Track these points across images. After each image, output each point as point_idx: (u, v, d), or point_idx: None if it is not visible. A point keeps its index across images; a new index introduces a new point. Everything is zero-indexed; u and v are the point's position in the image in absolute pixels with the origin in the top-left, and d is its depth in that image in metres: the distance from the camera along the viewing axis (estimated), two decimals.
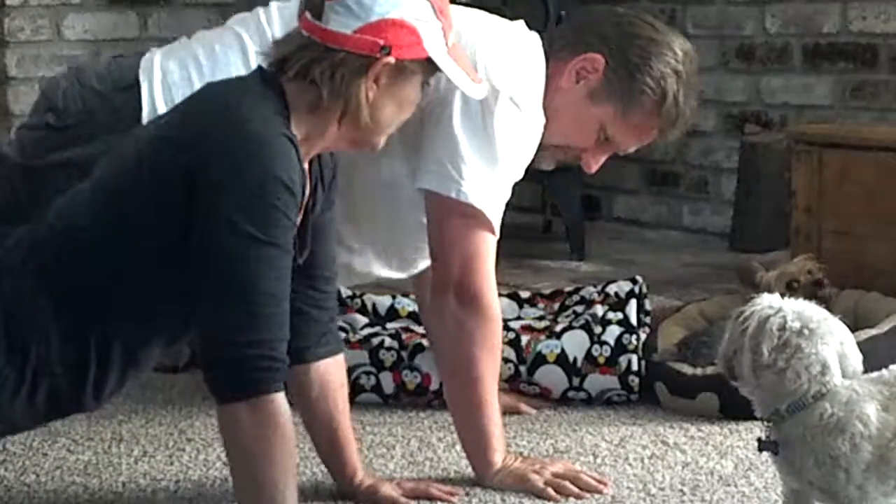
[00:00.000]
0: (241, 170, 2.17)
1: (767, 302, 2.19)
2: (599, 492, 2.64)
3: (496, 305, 2.65)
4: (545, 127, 2.70)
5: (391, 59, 2.24)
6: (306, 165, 2.35)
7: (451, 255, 2.60)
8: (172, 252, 2.21)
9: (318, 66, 2.24)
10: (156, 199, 2.22)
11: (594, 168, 2.83)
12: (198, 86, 2.47)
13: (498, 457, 2.67)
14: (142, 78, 2.62)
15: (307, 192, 2.36)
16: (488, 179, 2.59)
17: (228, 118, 2.22)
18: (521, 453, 2.84)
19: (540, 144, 2.73)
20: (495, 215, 2.61)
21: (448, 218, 2.60)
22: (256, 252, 2.16)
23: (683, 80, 2.75)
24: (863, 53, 4.82)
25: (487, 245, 2.62)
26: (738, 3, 5.16)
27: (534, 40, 2.74)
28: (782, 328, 2.14)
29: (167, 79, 2.63)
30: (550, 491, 2.62)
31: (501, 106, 2.57)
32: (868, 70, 4.81)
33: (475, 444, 2.68)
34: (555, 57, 2.74)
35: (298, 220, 2.36)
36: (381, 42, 2.23)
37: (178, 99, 2.45)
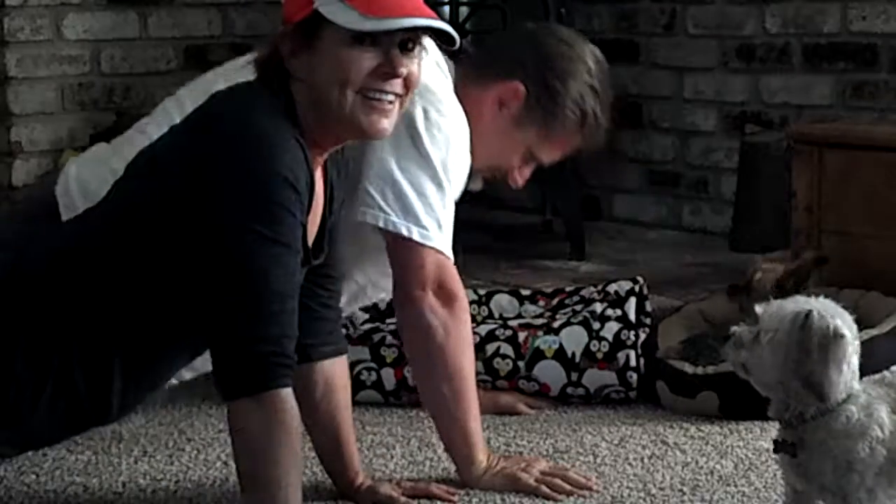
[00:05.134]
0: (246, 168, 2.18)
1: (819, 305, 2.13)
2: (590, 489, 2.64)
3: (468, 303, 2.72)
4: (472, 153, 2.80)
5: (288, 28, 2.26)
6: (319, 169, 2.35)
7: (425, 264, 2.63)
8: (188, 258, 2.22)
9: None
10: (167, 204, 2.24)
11: (521, 183, 3.02)
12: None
13: (482, 454, 2.66)
14: (59, 194, 2.73)
15: (319, 196, 2.36)
16: (437, 207, 2.65)
17: (234, 122, 2.23)
18: (520, 453, 2.85)
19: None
20: (447, 244, 2.67)
21: (406, 247, 2.63)
22: (263, 250, 2.17)
23: (600, 95, 2.95)
24: (863, 53, 4.81)
25: (449, 261, 2.68)
26: (738, 3, 5.15)
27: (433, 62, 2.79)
28: (833, 335, 2.10)
29: (87, 188, 2.70)
30: (545, 489, 2.61)
31: (423, 122, 2.65)
32: (868, 70, 4.81)
33: (462, 442, 2.66)
34: (473, 84, 2.88)
35: (317, 224, 2.36)
36: (285, 15, 2.27)
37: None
